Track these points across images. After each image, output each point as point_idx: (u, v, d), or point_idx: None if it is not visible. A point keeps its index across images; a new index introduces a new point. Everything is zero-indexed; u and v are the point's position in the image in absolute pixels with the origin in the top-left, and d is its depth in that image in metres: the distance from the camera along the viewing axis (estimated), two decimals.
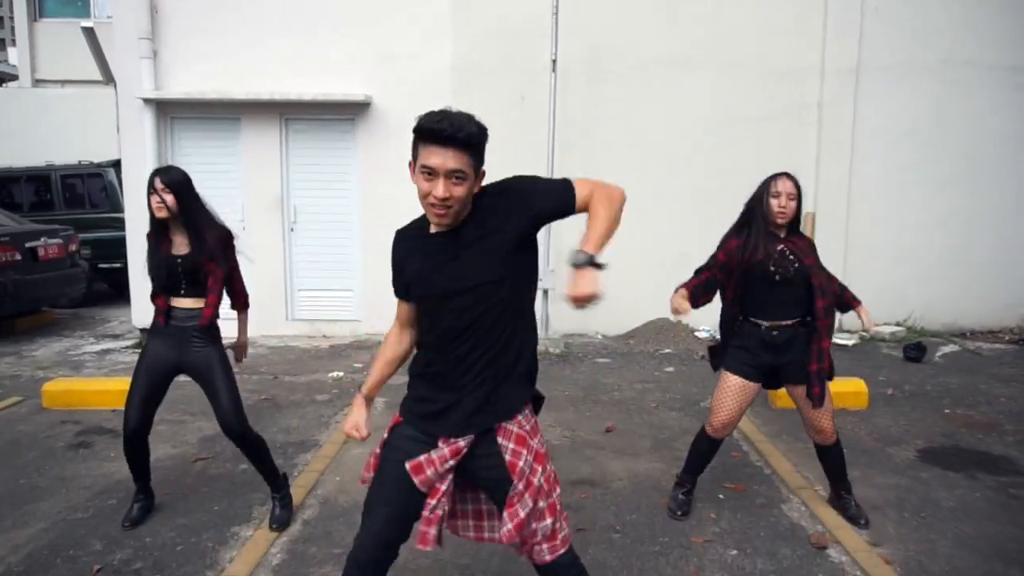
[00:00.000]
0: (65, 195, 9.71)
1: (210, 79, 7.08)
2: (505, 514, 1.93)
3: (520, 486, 1.93)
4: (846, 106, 7.19)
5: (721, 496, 3.72)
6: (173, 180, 3.17)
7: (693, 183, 7.26)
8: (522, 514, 1.92)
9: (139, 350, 7.19)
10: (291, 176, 7.39)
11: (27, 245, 7.54)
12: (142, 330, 7.47)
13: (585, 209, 1.89)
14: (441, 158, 1.78)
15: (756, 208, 3.24)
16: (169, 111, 7.21)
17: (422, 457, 1.97)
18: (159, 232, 3.25)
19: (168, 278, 3.25)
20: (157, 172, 3.22)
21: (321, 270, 7.51)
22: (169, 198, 3.14)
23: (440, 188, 1.80)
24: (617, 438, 4.63)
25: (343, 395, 5.59)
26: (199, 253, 3.22)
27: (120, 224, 9.51)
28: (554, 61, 6.67)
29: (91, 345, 7.49)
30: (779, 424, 4.84)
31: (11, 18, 14.22)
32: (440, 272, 1.93)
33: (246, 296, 3.60)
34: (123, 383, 5.29)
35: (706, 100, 7.19)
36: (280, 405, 5.32)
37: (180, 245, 3.25)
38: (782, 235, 3.23)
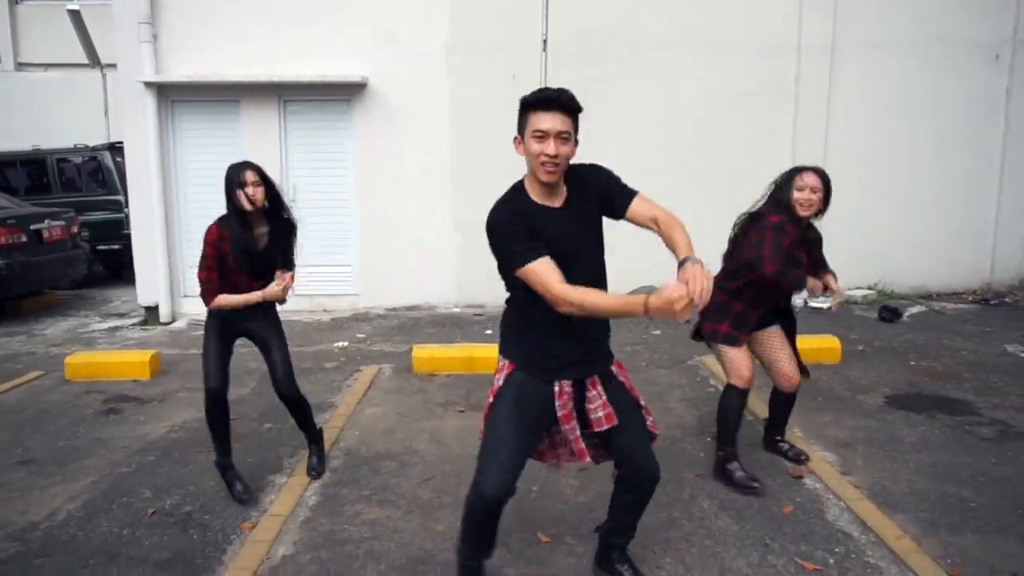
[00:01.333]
0: (61, 178, 9.86)
1: (210, 62, 7.28)
2: (649, 420, 2.52)
3: (642, 402, 2.52)
4: (822, 82, 7.56)
5: (708, 439, 4.11)
6: (262, 173, 3.31)
7: (681, 158, 7.59)
8: (651, 418, 2.54)
9: (146, 327, 7.50)
10: (290, 156, 7.63)
11: (32, 227, 7.73)
12: (147, 308, 7.72)
13: (632, 219, 2.30)
14: (550, 122, 2.12)
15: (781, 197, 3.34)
16: (170, 94, 7.41)
17: (556, 387, 2.34)
18: (243, 224, 3.31)
19: (249, 270, 3.37)
20: (248, 165, 3.31)
21: (320, 246, 7.78)
22: (260, 192, 3.28)
23: (551, 146, 2.13)
24: None
25: (350, 362, 5.91)
26: (276, 249, 3.43)
27: (116, 206, 9.74)
28: (545, 41, 6.98)
29: (98, 323, 7.73)
30: (760, 377, 5.23)
31: None
32: (568, 234, 2.24)
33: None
34: (143, 355, 5.63)
35: (693, 78, 7.52)
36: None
37: (260, 239, 3.39)
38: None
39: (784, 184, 3.37)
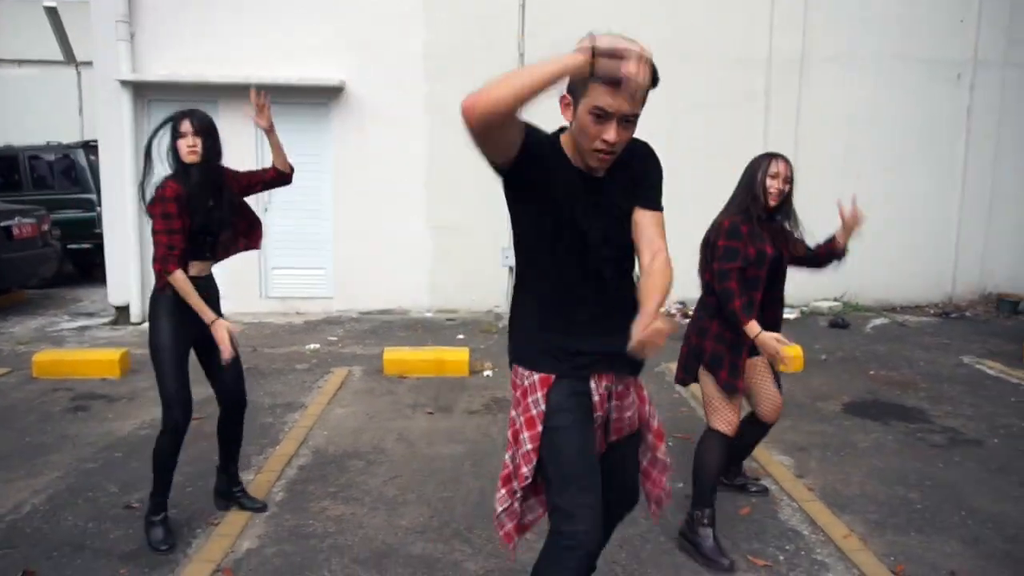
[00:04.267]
0: (32, 176, 9.77)
1: (188, 62, 7.29)
2: (662, 447, 2.15)
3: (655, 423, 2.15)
4: (791, 94, 7.76)
5: (670, 443, 4.20)
6: (204, 123, 2.95)
7: None
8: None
9: (116, 327, 7.46)
10: (267, 158, 7.60)
11: (1, 224, 7.65)
12: (117, 308, 7.67)
13: (633, 228, 1.89)
14: (618, 101, 1.69)
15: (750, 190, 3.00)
16: (146, 94, 7.40)
17: (593, 383, 1.93)
18: (186, 184, 2.90)
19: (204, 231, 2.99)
20: (184, 114, 2.94)
21: (294, 249, 7.80)
22: (199, 142, 2.91)
23: (612, 132, 1.72)
24: None
25: (321, 364, 5.94)
26: (229, 206, 3.06)
27: (88, 205, 9.66)
28: (522, 55, 7.09)
29: (67, 322, 7.67)
30: None
31: None
32: (595, 213, 1.86)
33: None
34: (112, 354, 5.62)
35: (664, 88, 7.59)
36: (264, 373, 5.66)
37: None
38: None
39: (756, 169, 3.03)
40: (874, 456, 4.01)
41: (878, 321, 7.69)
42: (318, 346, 6.48)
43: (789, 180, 3.03)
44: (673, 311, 7.82)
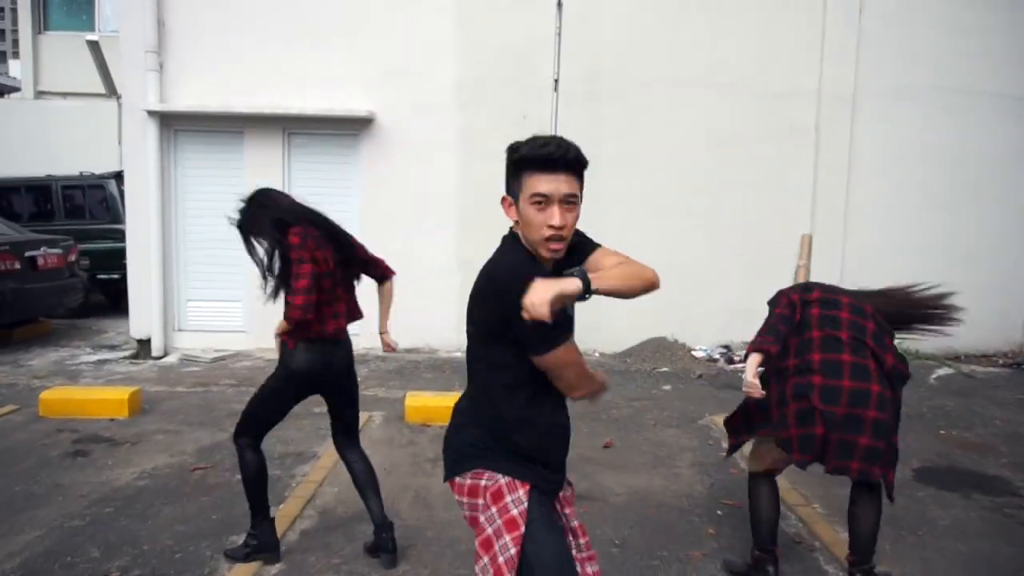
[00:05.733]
0: (65, 206, 9.74)
1: (216, 92, 7.14)
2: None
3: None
4: (843, 129, 7.29)
5: (720, 512, 3.74)
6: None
7: (690, 202, 7.34)
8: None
9: (136, 361, 7.24)
10: (292, 190, 7.38)
11: (27, 254, 7.55)
12: (139, 341, 7.46)
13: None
14: (554, 184, 1.69)
15: None
16: (173, 124, 7.26)
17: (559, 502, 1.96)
18: None
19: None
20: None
21: None
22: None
23: (556, 216, 1.70)
24: (615, 454, 4.65)
25: None
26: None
27: (119, 236, 9.55)
28: (556, 81, 6.78)
29: (88, 355, 7.48)
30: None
31: (15, 31, 14.37)
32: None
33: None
34: (122, 393, 5.34)
35: (705, 121, 7.29)
36: None
37: None
38: None
39: None
40: (957, 538, 3.47)
41: (942, 371, 7.07)
42: None
43: None
44: (716, 355, 7.32)
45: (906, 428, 5.23)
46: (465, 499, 1.85)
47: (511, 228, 1.87)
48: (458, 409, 1.98)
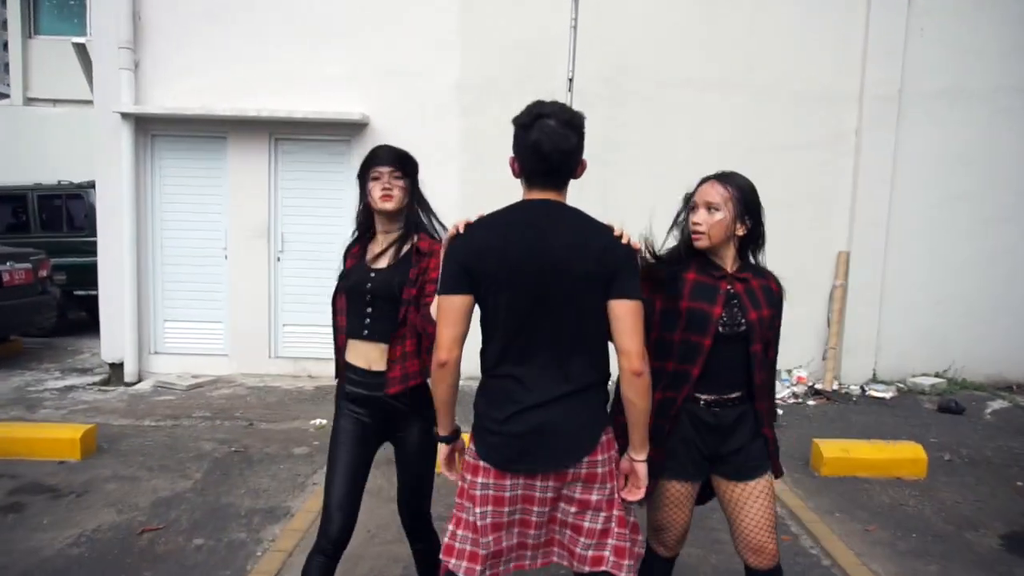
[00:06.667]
0: (42, 216, 9.12)
1: (197, 93, 6.51)
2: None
3: None
4: (887, 134, 6.60)
5: None
6: (404, 159, 2.43)
7: None
8: None
9: (106, 388, 6.59)
10: (279, 201, 6.79)
11: None
12: (112, 365, 6.81)
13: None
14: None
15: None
16: (150, 128, 6.64)
17: None
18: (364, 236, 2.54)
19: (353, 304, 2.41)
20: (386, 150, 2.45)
21: (309, 304, 6.85)
22: (400, 185, 2.39)
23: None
24: (641, 512, 3.95)
25: (323, 448, 4.90)
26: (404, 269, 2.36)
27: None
28: (571, 80, 6.13)
29: (55, 381, 6.82)
30: (829, 496, 4.17)
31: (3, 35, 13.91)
32: None
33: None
34: (74, 430, 4.69)
35: (734, 125, 6.62)
36: (252, 459, 4.65)
37: (382, 256, 2.42)
38: (728, 267, 2.28)
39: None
40: None
41: (996, 404, 6.36)
42: (325, 421, 5.46)
43: (720, 207, 2.25)
44: None
45: (974, 477, 4.54)
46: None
47: None
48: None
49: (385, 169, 2.39)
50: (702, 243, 2.23)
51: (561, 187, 1.98)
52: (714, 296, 2.19)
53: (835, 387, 6.69)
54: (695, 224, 2.24)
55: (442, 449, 2.12)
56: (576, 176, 1.98)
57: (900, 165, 6.68)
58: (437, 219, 2.50)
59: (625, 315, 1.87)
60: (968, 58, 6.62)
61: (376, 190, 2.37)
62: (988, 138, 6.72)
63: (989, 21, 6.64)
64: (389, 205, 2.38)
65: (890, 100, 6.56)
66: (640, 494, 2.02)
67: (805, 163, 6.66)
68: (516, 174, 2.00)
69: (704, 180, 2.32)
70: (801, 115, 6.64)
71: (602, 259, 1.88)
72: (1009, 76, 6.65)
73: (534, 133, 1.89)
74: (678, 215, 2.34)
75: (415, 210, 2.45)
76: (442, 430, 2.09)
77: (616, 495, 1.97)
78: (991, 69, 6.64)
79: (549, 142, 1.88)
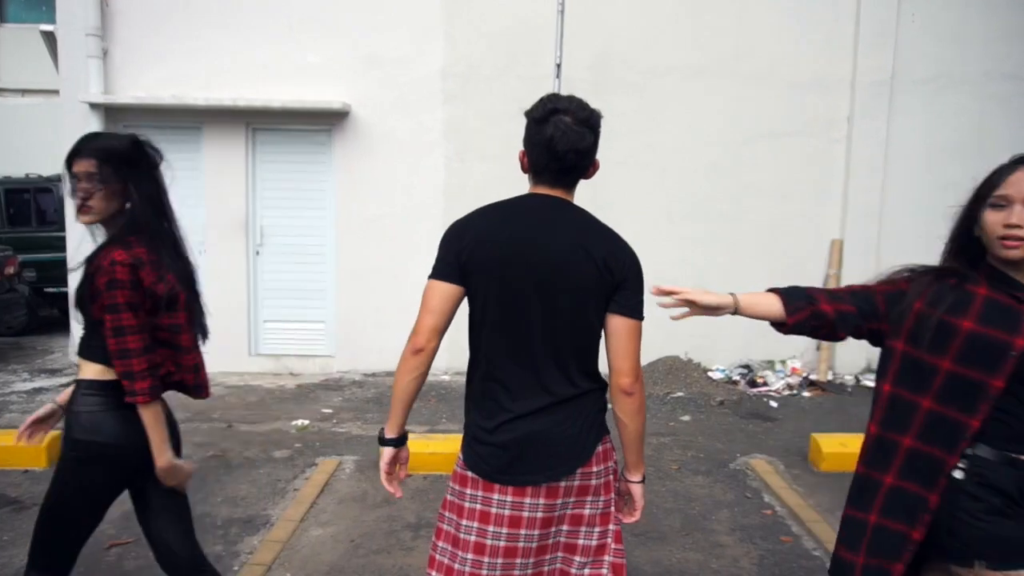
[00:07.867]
0: (9, 211, 8.81)
1: (170, 83, 6.26)
2: None
3: None
4: (879, 121, 6.48)
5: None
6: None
7: (709, 204, 6.53)
8: None
9: None
10: (258, 193, 6.56)
11: None
12: None
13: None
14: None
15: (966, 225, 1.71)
16: (120, 118, 6.37)
17: None
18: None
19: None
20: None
21: (290, 299, 6.65)
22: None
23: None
24: None
25: (307, 450, 4.72)
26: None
27: None
28: (558, 66, 5.94)
29: (23, 382, 6.56)
30: (830, 493, 4.04)
31: None
32: None
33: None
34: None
35: (725, 114, 6.47)
36: (230, 464, 4.45)
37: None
38: None
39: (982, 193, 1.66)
40: None
41: None
42: (307, 422, 5.26)
43: None
44: (736, 377, 6.52)
45: None
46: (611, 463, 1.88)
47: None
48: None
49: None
50: (1018, 252, 1.57)
51: (570, 186, 1.83)
52: (1016, 323, 1.56)
53: (830, 377, 6.60)
54: (1009, 227, 1.56)
55: (385, 453, 1.88)
56: (587, 176, 1.83)
57: (892, 152, 6.58)
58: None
59: (622, 333, 1.75)
60: (959, 45, 6.52)
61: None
62: (978, 125, 6.62)
63: (979, 7, 6.54)
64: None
65: (882, 87, 6.44)
66: (637, 517, 1.90)
67: (797, 151, 6.54)
68: (524, 169, 1.84)
69: (1016, 164, 1.61)
70: (793, 102, 6.51)
71: (604, 266, 1.73)
72: (999, 62, 6.56)
73: (548, 129, 1.72)
74: (959, 223, 1.72)
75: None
76: (390, 431, 1.87)
77: (612, 508, 1.81)
78: (982, 55, 6.54)
79: (564, 140, 1.72)
